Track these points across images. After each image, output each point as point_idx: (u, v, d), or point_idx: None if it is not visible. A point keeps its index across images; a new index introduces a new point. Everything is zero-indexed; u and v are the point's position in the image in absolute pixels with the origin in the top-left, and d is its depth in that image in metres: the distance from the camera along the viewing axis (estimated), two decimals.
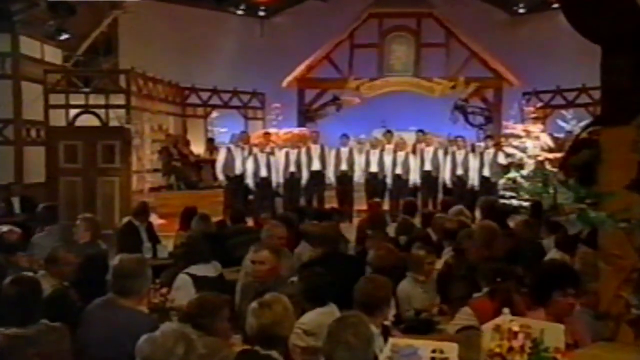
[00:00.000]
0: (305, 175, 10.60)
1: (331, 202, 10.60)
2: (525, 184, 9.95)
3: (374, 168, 10.62)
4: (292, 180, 10.51)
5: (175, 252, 5.69)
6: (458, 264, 4.45)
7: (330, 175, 10.69)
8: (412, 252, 4.48)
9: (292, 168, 10.50)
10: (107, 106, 10.17)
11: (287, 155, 10.57)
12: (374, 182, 10.59)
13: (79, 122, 9.91)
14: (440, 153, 10.70)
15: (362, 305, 3.10)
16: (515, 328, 2.52)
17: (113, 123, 10.02)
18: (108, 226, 7.56)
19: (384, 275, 3.38)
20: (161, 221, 9.92)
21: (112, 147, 9.60)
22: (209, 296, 3.14)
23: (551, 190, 9.48)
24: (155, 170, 12.11)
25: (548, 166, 10.14)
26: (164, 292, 4.13)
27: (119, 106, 10.29)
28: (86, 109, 10.06)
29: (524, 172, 10.20)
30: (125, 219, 6.68)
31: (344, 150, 10.74)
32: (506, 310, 2.62)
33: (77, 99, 10.12)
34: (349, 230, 7.38)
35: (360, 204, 10.63)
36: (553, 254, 4.76)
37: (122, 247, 5.71)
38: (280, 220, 6.29)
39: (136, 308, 3.21)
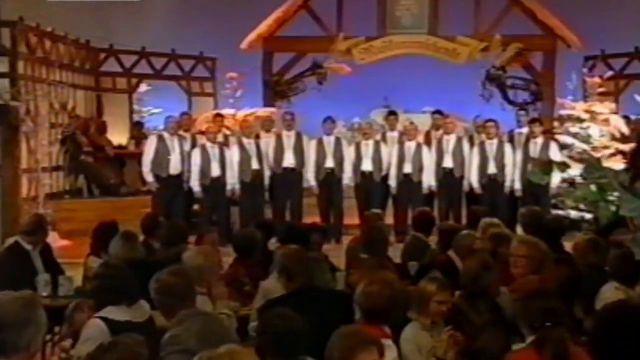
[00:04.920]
0: (272, 174, 10.62)
1: (311, 214, 10.61)
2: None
3: (367, 165, 10.66)
4: (254, 182, 10.51)
5: (85, 287, 5.64)
6: (475, 304, 4.47)
7: (310, 176, 10.72)
8: (419, 285, 4.49)
9: (255, 165, 10.51)
10: None
11: (247, 146, 10.57)
12: (368, 186, 10.65)
13: None
14: (466, 143, 10.77)
15: None
16: None
17: None
18: None
19: (379, 321, 3.36)
20: (64, 242, 9.87)
21: None
22: (120, 342, 3.13)
23: (611, 198, 9.55)
24: (56, 169, 12.02)
25: (612, 162, 10.18)
26: (67, 346, 4.09)
27: None
28: None
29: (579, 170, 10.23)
30: (10, 240, 6.61)
31: (329, 140, 10.78)
32: None
33: None
34: (337, 254, 7.40)
35: (353, 216, 10.67)
36: (609, 288, 4.81)
37: (4, 280, 5.64)
38: (238, 241, 6.32)
39: None
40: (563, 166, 10.18)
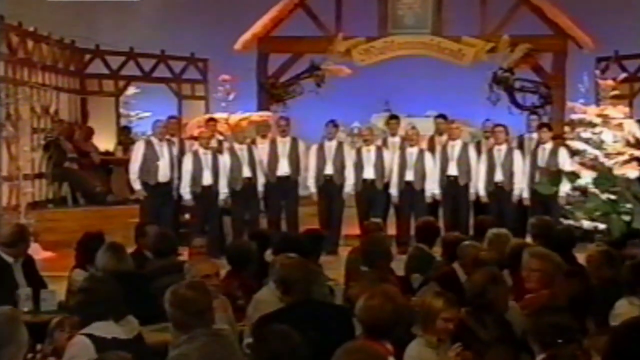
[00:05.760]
0: (266, 182, 10.62)
1: (308, 224, 10.58)
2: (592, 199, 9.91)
3: (369, 173, 10.66)
4: (246, 190, 10.51)
5: (70, 302, 5.63)
6: (482, 320, 4.46)
7: (311, 182, 10.71)
8: (424, 299, 4.49)
9: (247, 172, 10.51)
10: None
11: (239, 152, 10.56)
12: (370, 194, 10.65)
13: None
14: (472, 149, 10.77)
15: None
16: None
17: None
18: None
19: (380, 337, 3.32)
20: (47, 254, 9.85)
21: None
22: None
23: (624, 209, 9.52)
24: (39, 176, 12.00)
25: (627, 169, 10.15)
26: None
27: None
28: None
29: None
30: None
31: (330, 145, 10.78)
32: None
33: None
34: (336, 266, 7.40)
35: (352, 225, 10.66)
36: (624, 303, 4.80)
37: None
38: (231, 252, 6.32)
39: None
40: (572, 176, 10.15)
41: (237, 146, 10.67)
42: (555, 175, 10.26)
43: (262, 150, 10.78)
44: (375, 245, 6.20)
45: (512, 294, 5.15)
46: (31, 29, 12.11)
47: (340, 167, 10.70)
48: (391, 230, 10.17)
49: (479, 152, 10.82)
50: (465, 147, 10.78)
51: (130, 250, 6.55)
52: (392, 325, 3.99)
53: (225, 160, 10.50)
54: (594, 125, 11.07)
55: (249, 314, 5.19)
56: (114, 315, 4.32)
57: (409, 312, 4.36)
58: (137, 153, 10.49)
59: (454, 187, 10.64)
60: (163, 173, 10.37)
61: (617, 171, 10.33)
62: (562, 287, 4.77)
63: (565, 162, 10.45)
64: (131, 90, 14.69)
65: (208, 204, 10.39)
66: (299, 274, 4.75)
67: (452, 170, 10.64)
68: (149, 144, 10.53)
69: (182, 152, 10.67)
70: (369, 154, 10.73)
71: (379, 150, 10.80)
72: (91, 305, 4.38)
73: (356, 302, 4.28)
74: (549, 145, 10.61)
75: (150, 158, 10.37)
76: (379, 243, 6.28)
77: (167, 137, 10.68)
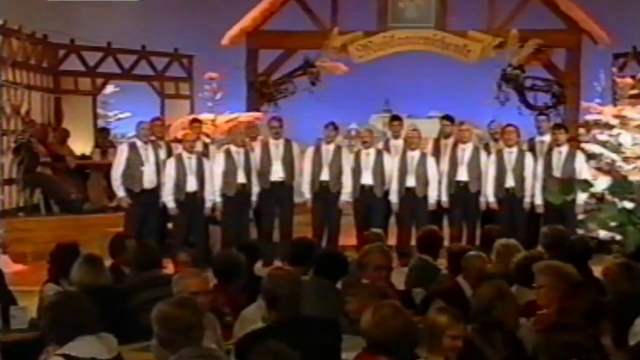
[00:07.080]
0: (259, 189, 10.63)
1: (303, 234, 10.58)
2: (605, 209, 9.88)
3: (367, 178, 10.67)
4: (239, 197, 10.51)
5: (43, 319, 5.62)
6: (490, 338, 4.46)
7: (306, 188, 10.71)
8: (428, 316, 4.49)
9: (240, 177, 10.51)
10: None
11: (229, 156, 10.56)
12: (368, 201, 10.66)
13: None
14: (484, 153, 10.77)
15: None
16: None
17: None
18: None
19: (384, 352, 3.31)
20: (17, 267, 9.83)
21: None
22: None
23: None
24: (9, 182, 11.98)
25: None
26: None
27: None
28: None
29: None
30: None
31: (328, 149, 10.78)
32: None
33: None
34: None
35: (350, 235, 10.65)
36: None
37: None
38: (218, 264, 6.30)
39: None
40: (585, 185, 10.08)
41: (233, 149, 10.65)
42: (567, 183, 10.21)
43: (253, 154, 10.77)
44: (368, 256, 6.19)
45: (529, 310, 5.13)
46: (0, 22, 12.10)
47: (337, 172, 10.69)
48: (392, 240, 10.16)
49: (487, 154, 10.79)
50: (476, 150, 10.74)
51: (107, 263, 6.53)
52: (401, 339, 3.99)
53: (217, 163, 10.50)
54: (610, 126, 11.11)
55: (236, 332, 5.18)
56: (90, 333, 4.30)
57: (414, 328, 4.36)
58: (121, 157, 10.49)
59: (463, 194, 10.62)
60: (148, 179, 10.35)
61: (633, 177, 10.33)
62: (571, 300, 4.77)
63: (583, 168, 10.40)
64: (109, 88, 14.69)
65: (193, 213, 10.39)
66: (288, 288, 4.72)
67: (462, 175, 10.61)
68: (132, 147, 10.51)
69: (169, 156, 10.62)
70: (368, 158, 10.72)
71: (379, 154, 10.78)
72: (60, 324, 4.36)
73: (354, 317, 4.28)
74: (564, 149, 10.53)
75: (135, 163, 10.36)
76: (372, 254, 6.25)
77: (152, 138, 10.63)
